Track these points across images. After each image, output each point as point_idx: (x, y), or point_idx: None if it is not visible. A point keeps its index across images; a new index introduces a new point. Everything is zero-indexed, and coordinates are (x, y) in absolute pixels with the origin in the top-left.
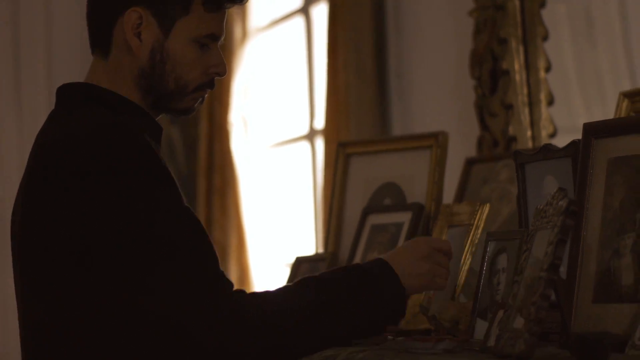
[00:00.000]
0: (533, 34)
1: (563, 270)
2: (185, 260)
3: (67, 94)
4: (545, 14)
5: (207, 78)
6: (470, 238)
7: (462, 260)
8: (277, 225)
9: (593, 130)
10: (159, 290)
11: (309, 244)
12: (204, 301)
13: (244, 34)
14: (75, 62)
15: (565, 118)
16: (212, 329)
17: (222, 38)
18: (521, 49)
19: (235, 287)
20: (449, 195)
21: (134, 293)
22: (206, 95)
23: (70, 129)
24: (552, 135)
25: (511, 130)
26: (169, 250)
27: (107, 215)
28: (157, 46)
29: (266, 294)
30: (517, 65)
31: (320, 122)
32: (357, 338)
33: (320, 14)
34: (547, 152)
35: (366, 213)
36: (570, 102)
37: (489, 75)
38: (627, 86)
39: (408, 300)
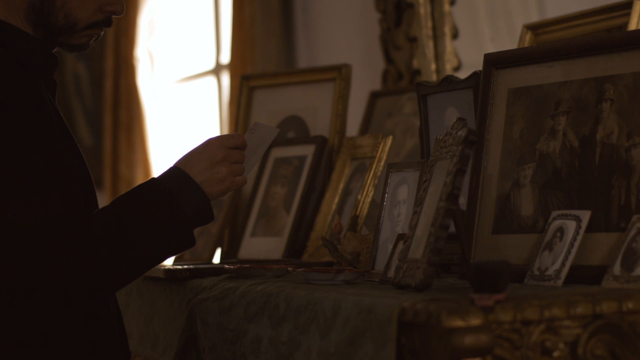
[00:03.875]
0: None
1: (464, 201)
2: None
3: None
4: None
5: (102, 16)
6: (372, 170)
7: (364, 193)
8: None
9: (494, 61)
10: None
11: None
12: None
13: None
14: None
15: (471, 52)
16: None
17: None
18: None
19: None
20: (354, 128)
21: None
22: (103, 33)
23: None
24: (457, 68)
25: (415, 64)
26: None
27: None
28: None
29: (85, 228)
30: None
31: (226, 57)
32: (175, 254)
33: None
34: (448, 83)
35: (269, 146)
36: (476, 35)
37: (394, 9)
38: (535, 19)
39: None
